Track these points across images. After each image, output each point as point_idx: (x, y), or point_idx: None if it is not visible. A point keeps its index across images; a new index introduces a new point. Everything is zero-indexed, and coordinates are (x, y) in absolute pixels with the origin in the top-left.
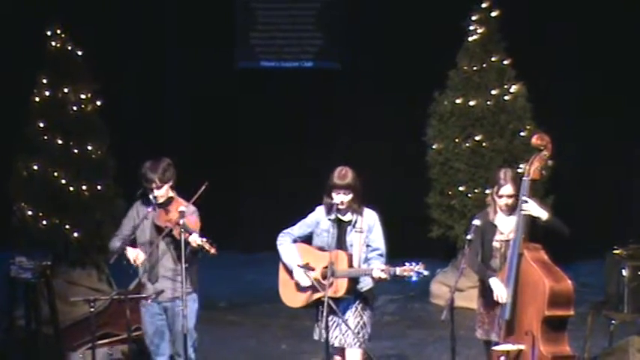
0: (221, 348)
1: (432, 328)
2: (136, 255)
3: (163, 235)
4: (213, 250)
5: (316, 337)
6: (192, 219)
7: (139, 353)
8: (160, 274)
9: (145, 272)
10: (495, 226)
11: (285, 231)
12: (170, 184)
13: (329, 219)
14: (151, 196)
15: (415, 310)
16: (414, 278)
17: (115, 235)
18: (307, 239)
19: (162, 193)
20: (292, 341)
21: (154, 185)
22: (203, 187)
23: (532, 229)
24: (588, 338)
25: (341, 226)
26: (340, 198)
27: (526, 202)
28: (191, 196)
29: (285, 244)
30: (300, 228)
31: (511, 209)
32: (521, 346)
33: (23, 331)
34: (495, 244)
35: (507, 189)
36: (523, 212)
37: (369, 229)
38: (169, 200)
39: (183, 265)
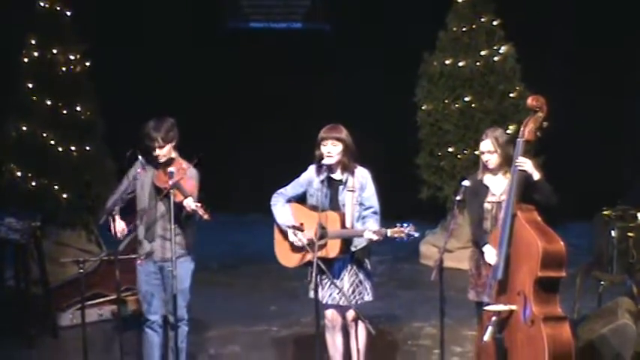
0: (211, 309)
1: (421, 288)
2: (121, 229)
3: (162, 197)
4: (206, 216)
5: (311, 296)
6: (190, 183)
7: (128, 313)
8: (157, 234)
9: (144, 231)
10: (487, 187)
11: (278, 191)
12: (173, 144)
13: (320, 179)
14: (154, 154)
15: (404, 271)
16: (405, 239)
17: (114, 193)
18: (301, 199)
19: (164, 152)
20: (282, 302)
21: (156, 144)
22: (196, 160)
23: (526, 191)
24: (577, 299)
25: (333, 186)
26: (328, 149)
27: (520, 160)
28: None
29: (279, 204)
30: (293, 188)
31: (494, 168)
32: (513, 307)
33: (13, 291)
34: (487, 206)
35: (485, 144)
36: (518, 168)
37: (361, 188)
38: (170, 161)
39: (172, 226)
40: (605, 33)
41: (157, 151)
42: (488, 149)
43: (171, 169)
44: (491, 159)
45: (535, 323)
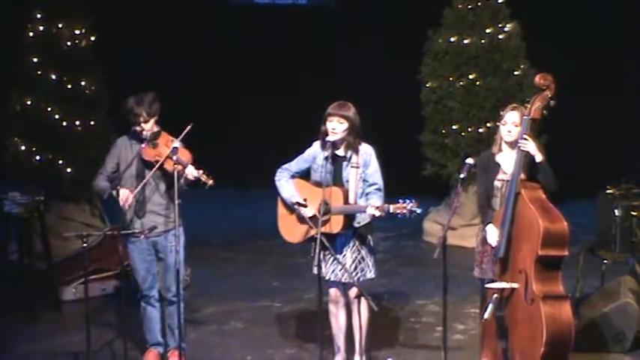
0: (213, 284)
1: (424, 266)
2: (126, 197)
3: (155, 169)
4: (210, 182)
5: (315, 272)
6: (185, 152)
7: (131, 288)
8: (147, 209)
9: (133, 208)
10: (499, 165)
11: (283, 166)
12: (156, 118)
13: (324, 155)
14: (138, 130)
15: (408, 248)
16: (408, 215)
17: (100, 174)
18: (306, 174)
19: (149, 127)
20: (285, 278)
21: (141, 119)
22: (188, 128)
23: (531, 169)
24: (580, 278)
25: (336, 162)
26: (333, 125)
27: (525, 139)
28: (177, 135)
29: (283, 179)
30: (297, 163)
31: (512, 142)
32: (515, 285)
33: (16, 265)
34: (497, 183)
35: (513, 115)
36: (521, 148)
37: (365, 164)
38: (156, 134)
39: (176, 201)
40: (611, 9)
41: (143, 126)
42: (513, 121)
43: (175, 144)
44: (514, 132)
45: (535, 302)
